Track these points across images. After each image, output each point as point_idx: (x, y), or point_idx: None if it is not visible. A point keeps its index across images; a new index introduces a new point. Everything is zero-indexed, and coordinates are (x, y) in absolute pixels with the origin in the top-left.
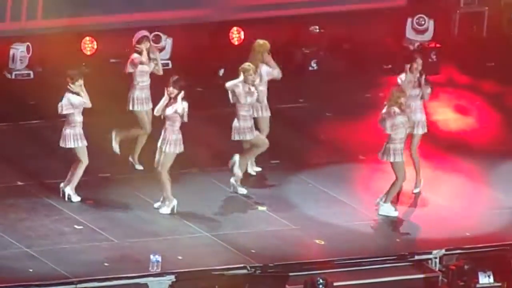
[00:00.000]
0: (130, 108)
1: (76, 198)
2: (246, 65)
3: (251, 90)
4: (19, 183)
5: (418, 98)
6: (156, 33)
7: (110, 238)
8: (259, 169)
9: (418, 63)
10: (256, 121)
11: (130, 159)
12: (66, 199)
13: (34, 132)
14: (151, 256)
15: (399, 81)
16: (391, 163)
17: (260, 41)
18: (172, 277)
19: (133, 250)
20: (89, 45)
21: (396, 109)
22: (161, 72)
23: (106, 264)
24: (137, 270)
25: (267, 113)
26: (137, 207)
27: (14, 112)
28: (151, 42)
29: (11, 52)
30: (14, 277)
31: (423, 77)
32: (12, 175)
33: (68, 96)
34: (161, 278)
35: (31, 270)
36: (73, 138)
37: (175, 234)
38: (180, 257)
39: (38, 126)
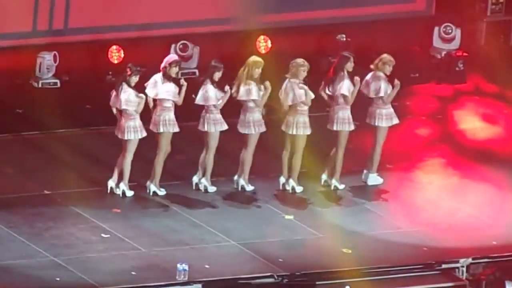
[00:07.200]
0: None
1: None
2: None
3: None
4: (46, 192)
5: None
6: (184, 42)
7: (137, 247)
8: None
9: None
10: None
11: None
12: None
13: (60, 141)
14: (178, 265)
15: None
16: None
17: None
18: (199, 286)
19: (160, 258)
20: (116, 54)
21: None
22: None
23: (133, 273)
24: (164, 279)
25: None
26: (164, 215)
27: (41, 121)
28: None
29: (38, 60)
30: (41, 286)
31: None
32: (39, 184)
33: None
34: (188, 287)
35: (58, 279)
36: (133, 130)
37: (202, 243)
38: (207, 266)
39: (64, 135)
